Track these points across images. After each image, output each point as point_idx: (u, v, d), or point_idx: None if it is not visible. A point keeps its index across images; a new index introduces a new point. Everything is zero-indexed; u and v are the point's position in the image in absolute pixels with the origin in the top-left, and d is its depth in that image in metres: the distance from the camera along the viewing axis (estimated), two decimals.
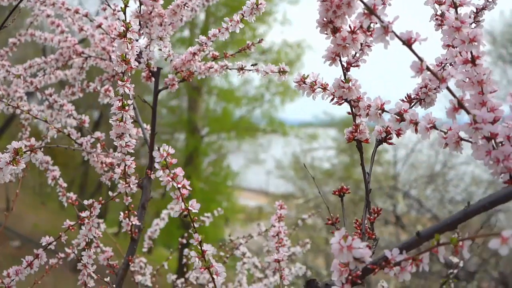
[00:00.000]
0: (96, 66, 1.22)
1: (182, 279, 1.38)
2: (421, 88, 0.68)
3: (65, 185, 1.09)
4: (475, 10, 0.70)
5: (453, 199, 6.63)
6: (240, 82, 12.05)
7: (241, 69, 0.94)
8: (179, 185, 0.62)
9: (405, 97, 0.68)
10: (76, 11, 1.09)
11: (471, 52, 0.52)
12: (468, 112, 0.50)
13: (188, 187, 0.62)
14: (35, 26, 1.30)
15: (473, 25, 0.70)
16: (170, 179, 0.61)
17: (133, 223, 0.96)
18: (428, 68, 0.50)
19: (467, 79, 0.53)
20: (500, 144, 0.51)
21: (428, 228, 0.50)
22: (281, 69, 0.83)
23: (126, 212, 0.95)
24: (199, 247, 0.64)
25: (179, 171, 0.62)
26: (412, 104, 0.68)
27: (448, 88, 0.51)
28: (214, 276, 0.63)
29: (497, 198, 0.48)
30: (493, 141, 0.51)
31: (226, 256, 1.27)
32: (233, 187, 11.30)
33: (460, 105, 0.51)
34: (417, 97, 0.68)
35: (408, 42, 0.50)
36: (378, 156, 9.17)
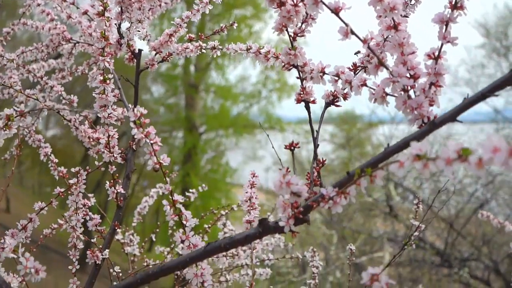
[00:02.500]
0: (84, 52, 1.31)
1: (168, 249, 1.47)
2: (365, 57, 0.77)
3: (56, 160, 1.18)
4: None
5: (446, 189, 6.74)
6: (237, 79, 12.12)
7: (213, 48, 1.04)
8: (152, 142, 0.71)
9: (351, 65, 0.78)
10: (64, 0, 1.18)
11: (393, 19, 0.62)
12: (387, 69, 0.60)
13: (160, 144, 0.71)
14: (27, 16, 1.39)
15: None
16: (144, 136, 0.70)
17: (118, 191, 1.06)
18: (352, 32, 0.59)
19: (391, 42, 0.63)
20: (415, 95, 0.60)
21: (355, 168, 0.59)
22: (248, 47, 0.92)
23: (112, 181, 1.04)
24: (170, 197, 0.73)
25: (151, 129, 0.71)
26: (358, 71, 0.77)
27: (370, 49, 0.60)
28: (184, 222, 0.73)
29: (409, 139, 0.57)
30: (412, 92, 0.61)
31: (209, 226, 1.36)
32: (231, 184, 11.39)
33: (380, 63, 0.60)
34: (362, 65, 0.77)
35: (336, 11, 0.59)
36: (375, 151, 9.29)
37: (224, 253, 1.24)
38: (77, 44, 1.28)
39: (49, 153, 1.20)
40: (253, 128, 11.79)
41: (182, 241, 0.73)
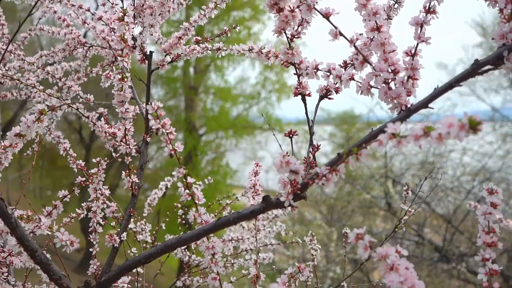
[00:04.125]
0: (97, 55, 1.41)
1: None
2: (353, 55, 0.87)
3: (74, 154, 1.28)
4: None
5: (444, 186, 6.84)
6: (236, 80, 12.22)
7: (218, 49, 1.14)
8: (167, 131, 0.81)
9: (342, 62, 0.88)
10: (80, 7, 1.29)
11: (376, 22, 0.72)
12: (370, 64, 0.70)
13: (174, 133, 0.82)
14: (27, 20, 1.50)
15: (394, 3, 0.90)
16: (160, 126, 0.81)
17: (133, 180, 1.16)
18: (340, 33, 0.69)
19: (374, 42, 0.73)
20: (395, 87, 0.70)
21: (344, 149, 0.70)
22: (250, 47, 1.02)
23: (127, 171, 1.15)
24: (184, 180, 0.83)
25: (167, 120, 0.81)
26: (348, 67, 0.88)
27: (355, 47, 0.70)
28: (196, 201, 0.83)
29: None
30: (392, 84, 0.71)
31: (215, 214, 1.46)
32: (232, 185, 11.47)
33: (364, 59, 0.70)
34: (351, 62, 0.87)
35: (326, 15, 0.70)
36: (374, 151, 9.39)
37: (231, 238, 1.34)
38: (91, 48, 1.38)
39: (68, 148, 1.30)
40: (253, 129, 11.89)
41: (195, 218, 0.83)
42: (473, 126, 0.47)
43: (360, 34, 0.76)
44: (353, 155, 0.65)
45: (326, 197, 7.98)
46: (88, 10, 1.30)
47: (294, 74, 0.82)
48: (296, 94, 0.83)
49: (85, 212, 1.25)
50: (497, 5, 0.66)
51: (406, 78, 0.71)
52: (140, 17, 1.13)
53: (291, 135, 0.85)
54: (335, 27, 0.70)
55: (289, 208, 0.75)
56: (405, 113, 0.66)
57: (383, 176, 6.10)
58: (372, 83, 0.74)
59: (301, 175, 0.70)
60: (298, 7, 0.76)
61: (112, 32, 1.22)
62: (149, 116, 0.81)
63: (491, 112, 8.53)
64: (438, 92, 0.65)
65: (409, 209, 1.28)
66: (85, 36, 1.50)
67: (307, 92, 0.83)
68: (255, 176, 1.15)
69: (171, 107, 11.40)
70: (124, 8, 0.93)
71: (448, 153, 7.02)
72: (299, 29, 0.80)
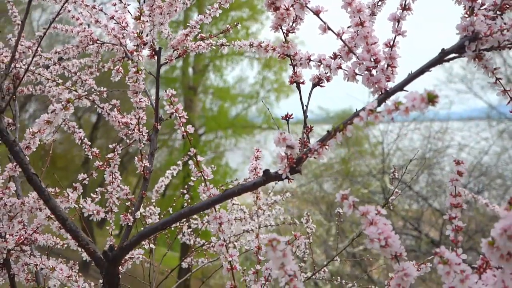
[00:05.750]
0: (108, 51, 1.53)
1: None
2: (341, 47, 0.99)
3: (89, 143, 1.40)
4: None
5: (441, 181, 6.98)
6: (235, 80, 12.32)
7: (222, 45, 1.26)
8: (180, 115, 0.93)
9: (332, 54, 1.00)
10: (93, 7, 1.40)
11: (360, 18, 0.84)
12: (355, 54, 0.82)
13: (186, 117, 0.93)
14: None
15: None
16: (174, 111, 0.92)
17: (145, 165, 1.27)
18: (329, 28, 0.81)
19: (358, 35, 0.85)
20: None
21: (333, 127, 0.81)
22: (251, 43, 1.14)
23: (140, 156, 1.26)
24: (195, 158, 0.95)
25: (180, 106, 0.93)
26: (337, 58, 0.99)
27: (342, 40, 0.82)
28: (206, 176, 0.95)
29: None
30: (374, 71, 0.83)
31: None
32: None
33: (349, 50, 0.82)
34: (339, 53, 0.99)
35: (317, 13, 0.81)
36: (373, 149, 9.55)
37: (234, 218, 1.46)
38: (103, 44, 1.50)
39: (82, 137, 1.42)
40: (252, 129, 12.01)
41: (204, 192, 0.94)
42: (431, 99, 0.58)
43: (348, 27, 0.88)
44: (340, 131, 0.76)
45: (325, 193, 8.10)
46: (101, 10, 1.41)
47: (290, 64, 0.94)
48: (291, 82, 0.95)
49: (99, 197, 1.37)
50: (462, 3, 0.77)
51: (385, 66, 0.82)
52: (150, 16, 1.25)
53: (287, 118, 0.96)
54: (324, 23, 0.81)
55: (286, 180, 0.86)
56: (384, 95, 0.78)
57: (380, 172, 6.22)
58: (356, 70, 0.85)
59: (296, 151, 0.81)
60: (292, 5, 0.87)
61: (123, 30, 1.33)
62: (164, 102, 0.92)
63: (488, 109, 8.65)
64: (412, 77, 0.77)
65: (396, 189, 1.40)
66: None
67: (301, 80, 0.94)
68: (256, 160, 1.27)
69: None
70: (141, 8, 1.05)
71: (444, 149, 7.15)
72: (294, 25, 0.91)
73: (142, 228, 1.43)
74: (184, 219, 1.69)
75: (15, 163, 1.07)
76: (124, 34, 1.33)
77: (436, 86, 8.86)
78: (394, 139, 7.45)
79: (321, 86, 0.98)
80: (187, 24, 1.22)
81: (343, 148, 10.09)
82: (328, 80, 0.98)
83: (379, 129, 8.32)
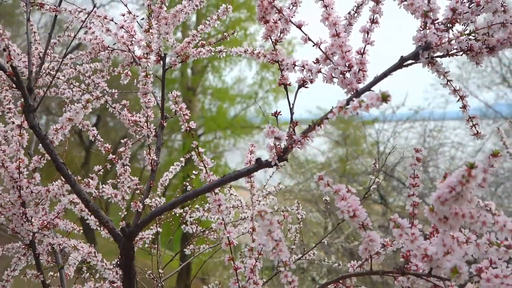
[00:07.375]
0: (117, 56, 1.69)
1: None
2: (322, 54, 1.15)
3: (102, 139, 1.55)
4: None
5: (435, 178, 7.14)
6: (234, 81, 12.47)
7: (220, 51, 1.42)
8: (184, 113, 1.09)
9: (315, 59, 1.16)
10: (105, 17, 1.56)
11: (335, 30, 1.00)
12: (331, 60, 0.98)
13: (189, 114, 1.09)
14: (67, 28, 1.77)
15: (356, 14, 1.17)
16: (178, 110, 1.08)
17: (153, 158, 1.43)
18: (309, 39, 0.97)
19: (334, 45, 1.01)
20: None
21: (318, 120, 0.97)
22: (245, 50, 1.30)
23: (148, 150, 1.42)
24: (197, 149, 1.11)
25: (183, 105, 1.09)
26: (318, 63, 1.15)
27: (320, 49, 0.98)
28: (206, 165, 1.11)
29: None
30: (347, 74, 0.99)
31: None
32: (231, 184, 11.75)
33: (327, 57, 0.98)
34: (320, 60, 1.15)
35: (299, 26, 0.98)
36: (371, 148, 9.73)
37: (232, 205, 1.62)
38: (113, 51, 1.66)
39: (96, 134, 1.58)
40: (251, 129, 12.16)
41: (205, 178, 1.11)
42: (384, 98, 0.74)
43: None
44: (319, 125, 0.93)
45: (323, 191, 8.24)
46: (112, 20, 1.57)
47: (278, 69, 1.10)
48: (280, 84, 1.11)
49: (110, 188, 1.53)
50: (418, 18, 0.94)
51: (357, 70, 0.99)
52: (157, 26, 1.41)
53: (276, 115, 1.13)
54: (305, 34, 0.98)
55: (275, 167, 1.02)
56: (354, 95, 0.94)
57: (376, 170, 6.38)
58: (333, 74, 1.02)
59: (283, 142, 0.97)
60: (279, 19, 1.03)
61: (132, 38, 1.49)
62: (170, 101, 1.08)
63: (484, 108, 8.82)
64: (376, 80, 0.93)
65: (377, 179, 1.56)
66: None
67: (288, 82, 1.10)
68: (250, 154, 1.43)
69: (169, 108, 11.65)
70: (150, 21, 1.21)
71: (439, 147, 7.32)
72: (281, 35, 1.08)
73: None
74: (188, 209, 1.85)
75: (40, 156, 1.23)
76: (132, 41, 1.49)
77: (433, 86, 9.04)
78: (388, 138, 7.63)
79: (306, 87, 1.14)
80: (185, 26, 1.38)
81: (341, 148, 10.26)
82: (311, 82, 1.14)
83: (374, 130, 8.49)
